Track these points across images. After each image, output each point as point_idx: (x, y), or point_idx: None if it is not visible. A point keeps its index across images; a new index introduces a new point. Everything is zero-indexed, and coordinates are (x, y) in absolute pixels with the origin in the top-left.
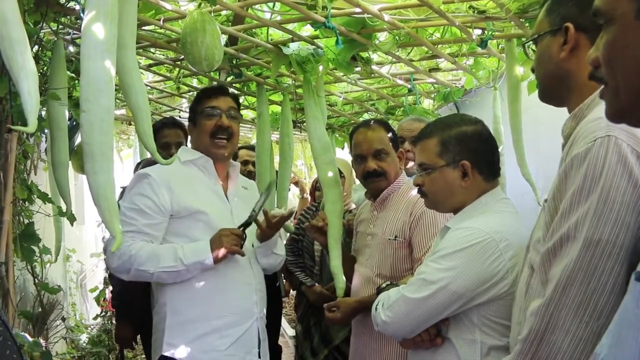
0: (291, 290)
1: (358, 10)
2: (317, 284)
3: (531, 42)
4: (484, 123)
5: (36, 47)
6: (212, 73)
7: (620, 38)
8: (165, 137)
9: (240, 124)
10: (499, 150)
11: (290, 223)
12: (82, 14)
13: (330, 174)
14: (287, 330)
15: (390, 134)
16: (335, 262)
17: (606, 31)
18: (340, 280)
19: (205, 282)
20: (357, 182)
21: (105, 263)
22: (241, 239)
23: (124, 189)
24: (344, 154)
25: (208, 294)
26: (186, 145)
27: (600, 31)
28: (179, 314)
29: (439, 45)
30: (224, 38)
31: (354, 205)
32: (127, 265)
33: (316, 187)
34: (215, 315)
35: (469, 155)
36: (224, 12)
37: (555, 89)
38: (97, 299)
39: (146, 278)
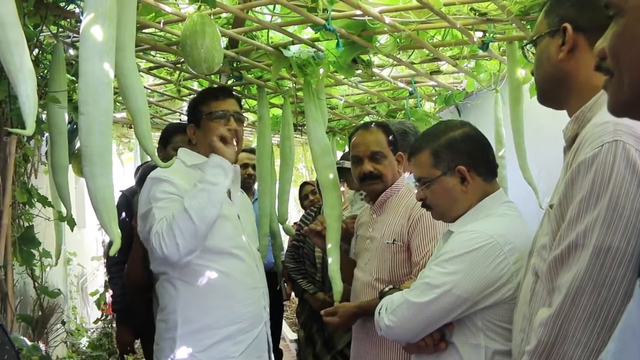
0: (292, 294)
1: (359, 12)
2: (320, 292)
3: (530, 45)
4: (471, 124)
5: (36, 50)
6: (212, 76)
7: (629, 31)
8: (178, 142)
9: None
10: (501, 152)
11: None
12: (82, 17)
13: (330, 177)
14: (288, 334)
15: (390, 137)
16: (334, 266)
17: (616, 23)
18: (337, 284)
19: (216, 289)
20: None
21: (158, 253)
22: None
23: (122, 192)
24: None
25: (220, 301)
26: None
27: (600, 31)
28: (191, 323)
29: (440, 48)
30: (224, 41)
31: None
32: (169, 230)
33: (305, 195)
34: (228, 322)
35: (463, 159)
36: (224, 15)
37: (554, 90)
38: (98, 303)
39: (186, 226)
